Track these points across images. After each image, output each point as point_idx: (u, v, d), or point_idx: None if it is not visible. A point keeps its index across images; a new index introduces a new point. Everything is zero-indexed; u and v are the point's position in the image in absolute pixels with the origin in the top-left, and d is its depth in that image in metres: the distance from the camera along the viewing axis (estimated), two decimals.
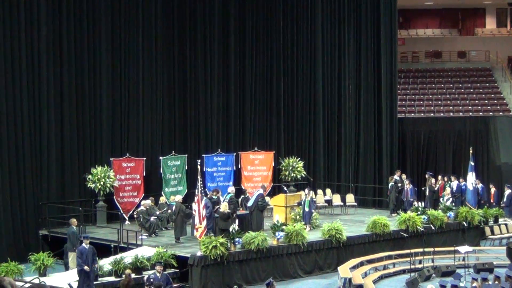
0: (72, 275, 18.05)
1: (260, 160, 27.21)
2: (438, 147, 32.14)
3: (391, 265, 21.17)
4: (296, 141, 29.27)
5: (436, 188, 26.36)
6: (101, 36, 24.28)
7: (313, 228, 22.34)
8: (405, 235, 22.55)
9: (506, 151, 30.91)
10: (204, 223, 18.93)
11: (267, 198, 23.58)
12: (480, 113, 33.27)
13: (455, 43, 39.03)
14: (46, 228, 22.40)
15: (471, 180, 25.98)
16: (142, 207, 22.01)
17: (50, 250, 20.06)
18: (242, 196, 23.79)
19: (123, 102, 24.87)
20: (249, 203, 22.17)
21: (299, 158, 27.85)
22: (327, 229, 21.02)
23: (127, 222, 23.28)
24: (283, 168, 27.54)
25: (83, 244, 17.20)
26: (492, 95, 35.01)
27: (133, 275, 17.18)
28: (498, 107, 33.92)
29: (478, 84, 36.05)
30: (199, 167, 19.89)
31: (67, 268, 19.35)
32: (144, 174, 24.50)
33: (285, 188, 24.59)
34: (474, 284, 15.78)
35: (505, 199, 26.68)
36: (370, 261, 20.96)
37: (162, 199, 23.43)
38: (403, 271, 20.63)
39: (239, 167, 26.89)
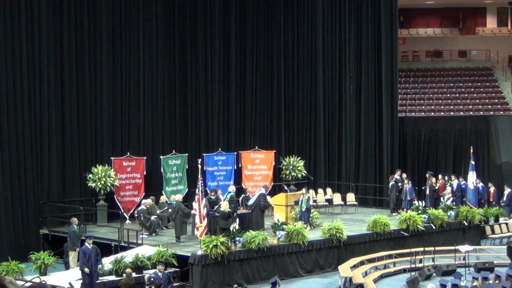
0: (72, 274, 18.08)
1: (260, 159, 27.22)
2: (438, 146, 32.15)
3: (392, 264, 21.18)
4: (296, 140, 29.27)
5: (436, 188, 26.36)
6: (101, 36, 24.29)
7: (314, 227, 22.35)
8: (406, 234, 22.55)
9: (506, 150, 30.92)
10: (205, 222, 18.95)
11: (268, 198, 23.55)
12: (481, 112, 33.28)
13: (456, 42, 39.04)
14: (47, 227, 22.42)
15: (472, 180, 25.98)
16: (142, 206, 22.03)
17: (51, 249, 20.12)
18: (243, 195, 23.81)
19: (124, 102, 24.88)
20: (250, 202, 22.20)
21: (299, 157, 27.86)
22: (327, 228, 21.03)
23: (127, 221, 23.28)
24: (283, 167, 27.55)
25: (86, 244, 17.20)
26: (493, 94, 35.01)
27: (133, 274, 17.18)
28: (499, 106, 33.92)
29: (479, 83, 36.05)
30: (199, 166, 19.93)
31: (67, 267, 19.39)
32: (145, 173, 24.50)
33: (285, 188, 24.64)
34: (475, 283, 15.79)
35: (505, 198, 26.68)
36: (370, 260, 20.96)
37: (163, 198, 23.43)
38: (404, 270, 20.63)
39: (240, 166, 26.89)
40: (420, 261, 20.91)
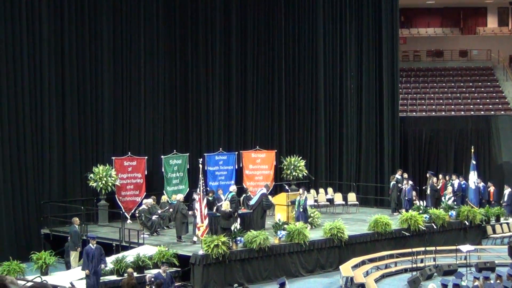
0: (74, 274, 18.08)
1: (261, 159, 27.21)
2: (439, 146, 32.14)
3: (393, 264, 21.17)
4: (297, 140, 29.27)
5: (438, 187, 26.36)
6: (102, 36, 24.29)
7: (315, 227, 22.33)
8: (407, 234, 22.54)
9: (507, 150, 30.91)
10: (206, 222, 18.95)
11: (269, 197, 23.54)
12: (482, 112, 33.28)
13: (457, 42, 39.03)
14: (48, 227, 22.41)
15: (473, 179, 25.97)
16: (143, 206, 22.03)
17: (52, 249, 20.12)
18: (244, 195, 23.80)
19: (125, 101, 24.87)
20: (252, 202, 22.19)
21: (300, 157, 27.85)
22: (329, 228, 21.02)
23: (128, 221, 23.27)
24: (284, 167, 27.54)
25: (90, 245, 17.18)
26: (494, 94, 35.01)
27: (135, 274, 17.18)
28: (500, 106, 33.92)
29: (480, 83, 36.04)
30: (200, 166, 19.93)
31: (68, 267, 19.39)
32: (146, 173, 24.49)
33: (286, 187, 24.63)
34: (476, 283, 15.77)
35: (505, 198, 26.67)
36: (372, 260, 20.96)
37: (164, 198, 23.41)
38: (405, 270, 20.62)
39: (241, 166, 26.89)
40: (421, 261, 20.90)
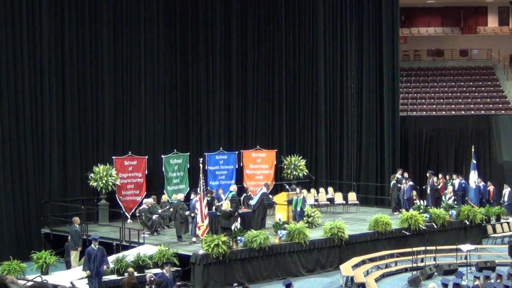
0: (74, 274, 18.08)
1: (262, 159, 27.21)
2: (440, 146, 32.14)
3: (393, 264, 21.17)
4: (298, 140, 29.26)
5: (438, 187, 26.36)
6: (103, 35, 24.28)
7: (315, 227, 22.33)
8: (407, 233, 22.55)
9: (508, 149, 30.90)
10: (206, 221, 18.95)
11: (270, 196, 23.55)
12: (482, 112, 33.26)
13: (457, 41, 39.00)
14: (48, 227, 22.41)
15: (473, 179, 25.97)
16: (144, 206, 22.03)
17: (52, 248, 20.14)
18: (244, 195, 23.83)
19: (125, 101, 24.87)
20: (253, 202, 22.20)
21: (301, 157, 27.85)
22: (329, 228, 21.02)
23: (129, 221, 23.29)
24: (285, 167, 27.54)
25: (92, 246, 17.15)
26: (494, 94, 34.99)
27: (135, 274, 17.17)
28: (500, 105, 33.90)
29: (480, 83, 36.02)
30: (201, 165, 19.94)
31: (68, 266, 19.39)
32: (146, 173, 24.49)
33: (287, 187, 24.63)
34: (476, 283, 15.77)
35: (506, 198, 26.67)
36: (372, 260, 20.96)
37: (164, 197, 23.41)
38: (405, 270, 20.63)
39: (241, 165, 26.89)
40: (422, 260, 20.92)
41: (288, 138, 28.99)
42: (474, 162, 26.17)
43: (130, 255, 18.35)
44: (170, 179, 24.76)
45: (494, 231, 24.82)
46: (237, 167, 26.54)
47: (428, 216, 23.20)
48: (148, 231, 21.48)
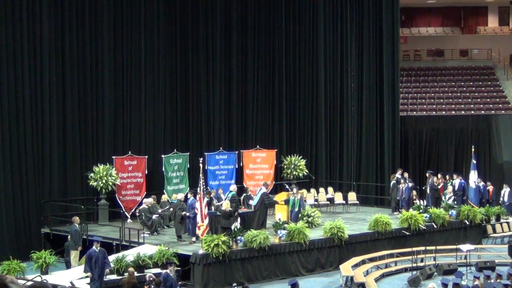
0: (74, 274, 18.08)
1: (262, 158, 27.21)
2: (440, 146, 32.14)
3: (393, 264, 21.18)
4: (298, 139, 29.26)
5: (438, 187, 26.36)
6: (103, 35, 24.28)
7: (316, 226, 22.34)
8: (407, 233, 22.56)
9: (508, 149, 30.92)
10: (206, 221, 18.96)
11: (270, 196, 23.54)
12: (482, 112, 33.27)
13: (457, 41, 39.00)
14: (48, 226, 22.42)
15: (473, 179, 25.98)
16: (144, 205, 22.04)
17: (52, 248, 20.15)
18: (244, 194, 23.82)
19: (125, 100, 24.87)
20: (253, 202, 22.19)
21: (301, 156, 27.86)
22: (329, 227, 21.03)
23: (129, 220, 23.29)
24: (285, 166, 27.54)
25: (93, 248, 17.10)
26: (494, 94, 35.00)
27: (135, 273, 17.17)
28: (500, 105, 33.91)
29: (480, 83, 36.03)
30: (201, 165, 19.94)
31: (68, 266, 19.39)
32: (146, 172, 24.49)
33: (287, 187, 24.63)
34: (476, 282, 15.77)
35: (506, 198, 26.67)
36: (372, 259, 20.97)
37: (164, 197, 23.41)
38: (405, 270, 20.64)
39: (241, 165, 26.89)
40: (422, 260, 20.93)
41: (288, 138, 28.98)
42: (474, 162, 26.18)
43: (130, 255, 18.35)
44: (170, 179, 24.76)
45: (494, 231, 24.83)
46: (237, 167, 26.54)
47: (428, 216, 23.21)
48: (148, 231, 21.49)
